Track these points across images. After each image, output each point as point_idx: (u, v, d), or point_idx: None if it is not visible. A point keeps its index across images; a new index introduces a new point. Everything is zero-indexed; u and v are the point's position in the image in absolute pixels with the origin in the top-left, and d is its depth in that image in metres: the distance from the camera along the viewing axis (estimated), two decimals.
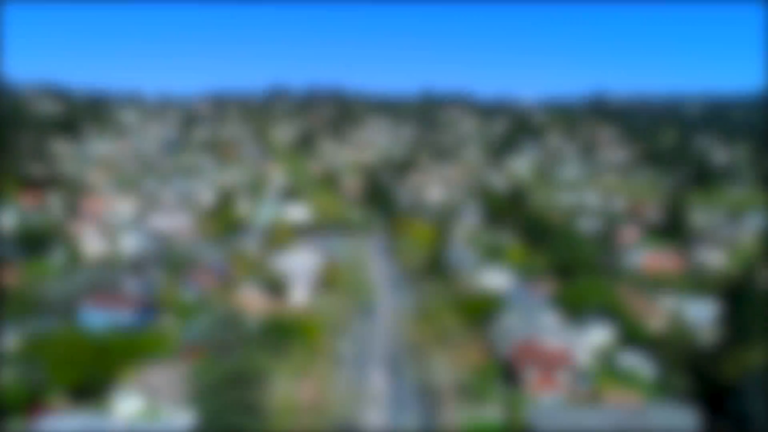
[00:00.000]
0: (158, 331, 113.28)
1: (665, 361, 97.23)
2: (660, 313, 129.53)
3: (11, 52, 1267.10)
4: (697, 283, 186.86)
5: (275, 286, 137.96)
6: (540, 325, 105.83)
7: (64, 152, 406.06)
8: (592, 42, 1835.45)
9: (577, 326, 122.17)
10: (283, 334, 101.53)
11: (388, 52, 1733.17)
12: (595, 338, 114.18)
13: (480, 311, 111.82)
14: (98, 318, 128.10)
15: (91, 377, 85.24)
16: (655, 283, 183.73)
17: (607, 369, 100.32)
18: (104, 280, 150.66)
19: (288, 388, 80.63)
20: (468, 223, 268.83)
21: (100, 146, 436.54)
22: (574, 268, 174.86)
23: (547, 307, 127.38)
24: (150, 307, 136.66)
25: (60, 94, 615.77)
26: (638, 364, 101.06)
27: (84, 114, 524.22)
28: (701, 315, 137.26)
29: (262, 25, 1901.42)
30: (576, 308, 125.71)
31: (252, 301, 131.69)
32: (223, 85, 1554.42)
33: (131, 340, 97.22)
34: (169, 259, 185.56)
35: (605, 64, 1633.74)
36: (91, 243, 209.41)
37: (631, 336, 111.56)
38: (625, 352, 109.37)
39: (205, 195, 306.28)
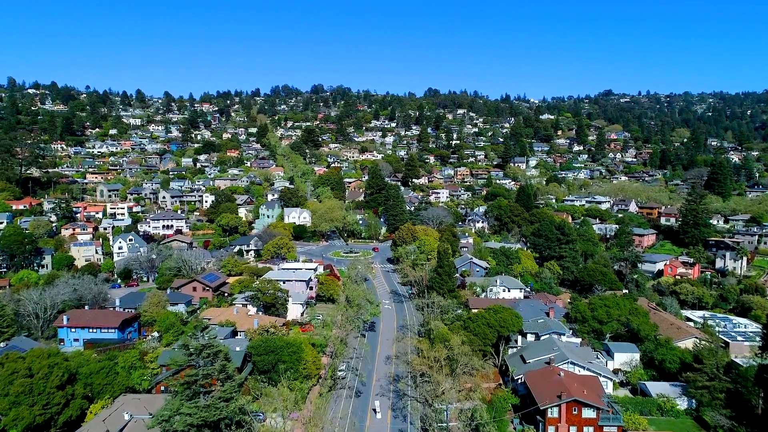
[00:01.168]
0: (139, 351, 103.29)
1: (701, 392, 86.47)
2: (689, 331, 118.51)
3: (16, 53, 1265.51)
4: (720, 293, 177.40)
5: (271, 300, 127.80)
6: (559, 348, 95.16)
7: (64, 153, 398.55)
8: (599, 42, 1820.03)
9: (599, 347, 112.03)
10: (275, 357, 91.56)
11: (393, 52, 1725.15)
12: (620, 363, 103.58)
13: (493, 330, 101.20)
14: (77, 334, 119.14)
15: (55, 413, 75.49)
16: (675, 293, 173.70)
17: (638, 400, 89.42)
18: (90, 290, 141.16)
19: (277, 427, 70.77)
20: (476, 227, 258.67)
21: (101, 147, 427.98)
22: (591, 277, 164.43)
23: (566, 324, 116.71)
24: (135, 322, 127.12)
25: (64, 95, 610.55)
26: (671, 393, 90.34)
27: (87, 114, 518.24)
28: (736, 334, 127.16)
29: (267, 26, 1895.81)
30: (597, 326, 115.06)
31: (245, 316, 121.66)
32: (228, 85, 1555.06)
33: (105, 365, 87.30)
34: (161, 267, 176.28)
35: (612, 65, 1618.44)
36: (83, 249, 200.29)
37: (661, 360, 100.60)
38: (654, 380, 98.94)
39: (205, 197, 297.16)
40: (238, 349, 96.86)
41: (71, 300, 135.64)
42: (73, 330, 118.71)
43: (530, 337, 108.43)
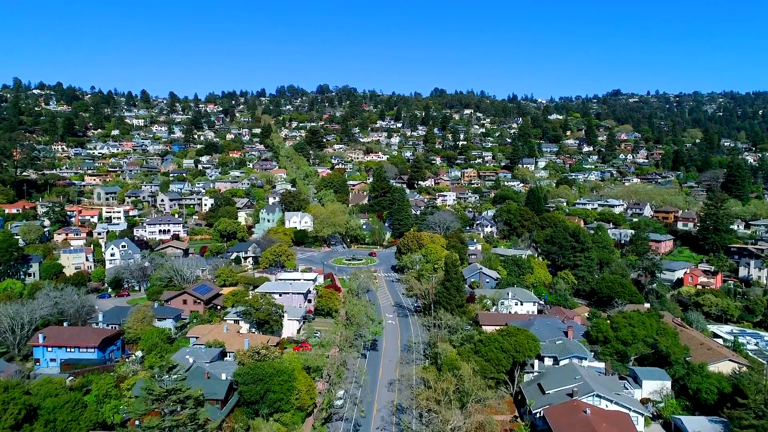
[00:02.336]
0: (116, 376, 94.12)
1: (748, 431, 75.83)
2: (721, 352, 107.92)
3: (23, 54, 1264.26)
4: (746, 305, 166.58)
5: (264, 316, 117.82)
6: (582, 377, 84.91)
7: (64, 155, 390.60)
8: (606, 41, 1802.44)
9: (623, 371, 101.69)
10: (264, 387, 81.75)
11: (399, 52, 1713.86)
12: (649, 391, 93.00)
13: (507, 356, 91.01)
14: (54, 354, 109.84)
15: None
16: (698, 304, 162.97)
17: None
18: (73, 304, 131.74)
19: None
20: (485, 232, 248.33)
21: (103, 148, 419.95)
22: (610, 290, 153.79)
23: (586, 345, 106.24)
24: (118, 339, 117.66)
25: (68, 95, 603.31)
26: (710, 431, 79.63)
27: (90, 115, 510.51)
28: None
29: (273, 26, 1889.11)
30: (621, 347, 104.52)
31: (235, 335, 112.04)
32: (233, 86, 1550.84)
33: (72, 397, 77.52)
34: (152, 277, 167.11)
35: (620, 64, 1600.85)
36: (73, 256, 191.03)
37: (696, 389, 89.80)
38: (688, 411, 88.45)
39: (204, 200, 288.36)
40: (224, 376, 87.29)
41: (52, 315, 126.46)
42: (49, 349, 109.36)
43: (548, 361, 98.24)
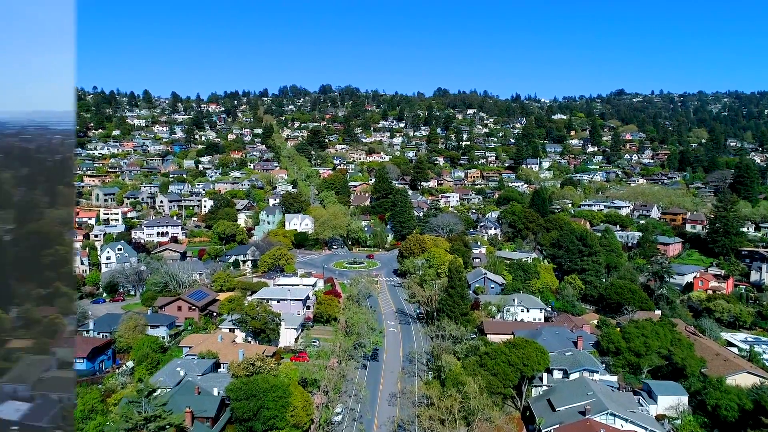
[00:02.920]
0: (103, 390, 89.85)
1: None
2: (738, 363, 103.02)
3: None
4: (758, 310, 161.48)
5: (260, 325, 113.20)
6: (595, 393, 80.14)
7: None
8: (609, 41, 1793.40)
9: (636, 383, 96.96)
10: (258, 403, 77.24)
11: (402, 51, 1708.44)
12: (664, 407, 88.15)
13: (514, 369, 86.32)
14: None
15: None
16: (709, 310, 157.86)
17: None
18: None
19: None
20: (488, 234, 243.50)
21: (103, 149, 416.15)
22: (619, 296, 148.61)
23: (596, 356, 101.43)
24: (108, 349, 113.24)
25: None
26: None
27: (92, 115, 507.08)
28: None
29: (275, 26, 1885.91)
30: (633, 359, 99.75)
31: (230, 345, 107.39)
32: (236, 86, 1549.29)
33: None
34: (148, 283, 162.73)
35: (623, 64, 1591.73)
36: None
37: (714, 405, 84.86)
38: (707, 430, 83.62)
39: (204, 202, 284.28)
40: (215, 391, 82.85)
41: None
42: None
43: (557, 374, 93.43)
